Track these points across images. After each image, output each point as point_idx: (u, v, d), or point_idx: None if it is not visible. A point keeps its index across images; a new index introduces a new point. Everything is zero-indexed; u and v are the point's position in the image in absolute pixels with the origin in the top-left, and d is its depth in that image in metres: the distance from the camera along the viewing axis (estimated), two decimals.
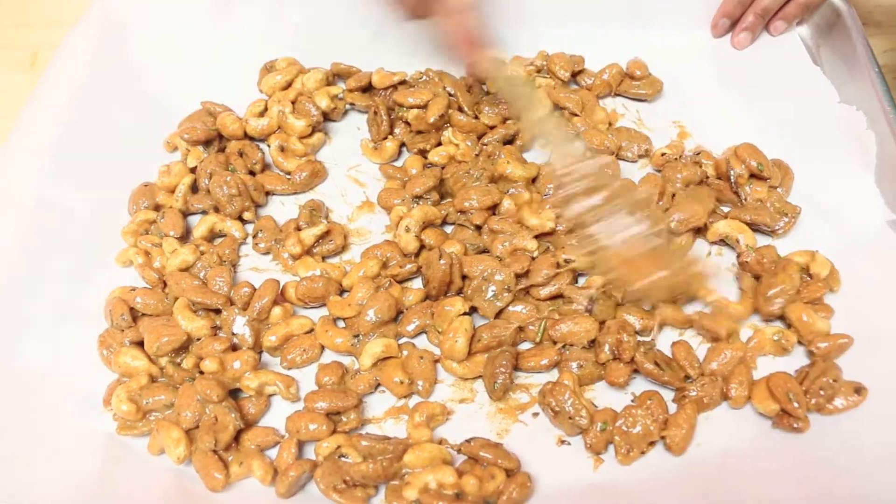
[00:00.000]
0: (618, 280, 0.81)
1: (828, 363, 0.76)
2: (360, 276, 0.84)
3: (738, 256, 0.85)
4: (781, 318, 0.81)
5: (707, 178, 0.92)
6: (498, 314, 0.82)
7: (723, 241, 0.88)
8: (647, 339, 0.81)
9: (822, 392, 0.74)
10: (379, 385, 0.80)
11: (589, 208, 0.82)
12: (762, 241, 0.87)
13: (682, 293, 0.82)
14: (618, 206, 0.81)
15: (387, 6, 0.91)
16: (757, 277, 0.83)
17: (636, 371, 0.78)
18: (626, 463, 0.73)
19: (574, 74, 1.02)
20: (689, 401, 0.76)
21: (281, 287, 0.84)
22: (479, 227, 0.89)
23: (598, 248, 0.81)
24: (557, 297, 0.83)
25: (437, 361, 0.81)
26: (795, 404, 0.73)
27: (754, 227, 0.87)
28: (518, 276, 0.83)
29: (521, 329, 0.81)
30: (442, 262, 0.82)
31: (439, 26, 0.87)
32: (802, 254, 0.84)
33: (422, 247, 0.87)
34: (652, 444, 0.74)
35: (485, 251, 0.87)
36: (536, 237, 0.85)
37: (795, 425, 0.73)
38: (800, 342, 0.80)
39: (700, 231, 0.88)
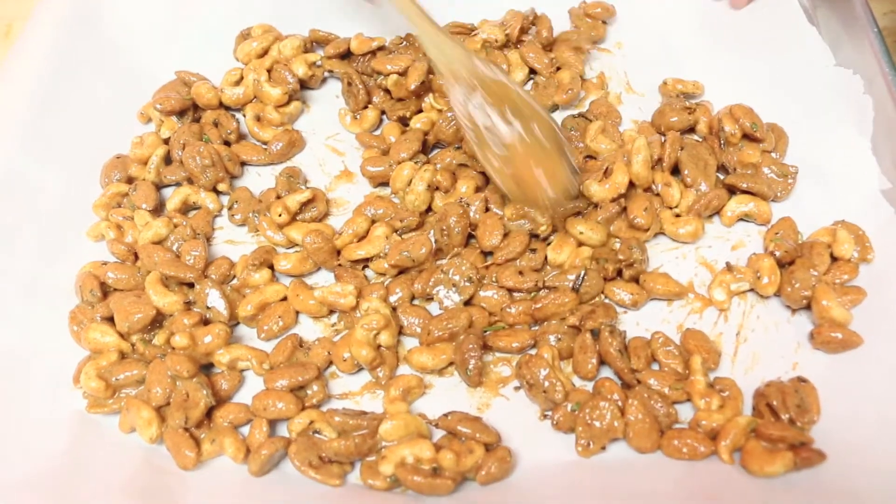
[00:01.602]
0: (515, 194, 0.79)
1: (782, 386, 0.71)
2: (350, 234, 0.82)
3: (768, 246, 0.81)
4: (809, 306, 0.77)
5: (695, 125, 0.90)
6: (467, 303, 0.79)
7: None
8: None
9: (800, 409, 0.69)
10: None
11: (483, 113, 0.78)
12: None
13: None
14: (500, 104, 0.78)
15: None
16: (781, 264, 0.79)
17: (603, 363, 0.75)
18: (585, 456, 0.70)
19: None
20: (640, 400, 0.71)
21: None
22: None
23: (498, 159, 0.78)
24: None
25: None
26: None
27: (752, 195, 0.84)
28: (486, 254, 0.81)
29: (491, 314, 0.79)
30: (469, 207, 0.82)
31: None
32: (824, 232, 0.81)
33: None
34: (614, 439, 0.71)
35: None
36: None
37: (814, 454, 0.66)
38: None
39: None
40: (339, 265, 0.82)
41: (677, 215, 0.84)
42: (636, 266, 0.79)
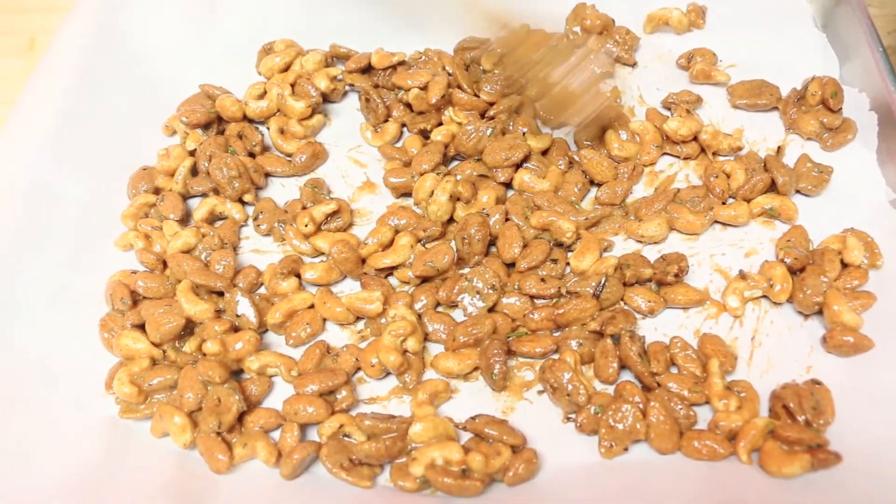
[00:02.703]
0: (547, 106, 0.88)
1: (797, 388, 0.73)
2: (375, 243, 0.84)
3: (779, 254, 0.83)
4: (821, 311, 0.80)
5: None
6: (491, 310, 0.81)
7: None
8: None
9: (816, 411, 0.72)
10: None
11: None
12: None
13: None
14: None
15: None
16: (792, 271, 0.82)
17: (623, 367, 0.77)
18: (608, 458, 0.72)
19: None
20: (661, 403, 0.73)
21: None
22: (506, 185, 0.90)
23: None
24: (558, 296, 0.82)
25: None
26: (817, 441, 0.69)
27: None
28: (509, 266, 0.84)
29: (513, 320, 0.81)
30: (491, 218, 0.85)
31: None
32: (834, 240, 0.83)
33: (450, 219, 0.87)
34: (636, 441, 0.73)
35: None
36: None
37: (831, 456, 0.68)
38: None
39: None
40: (365, 273, 0.84)
41: (724, 202, 0.88)
42: (681, 276, 0.81)
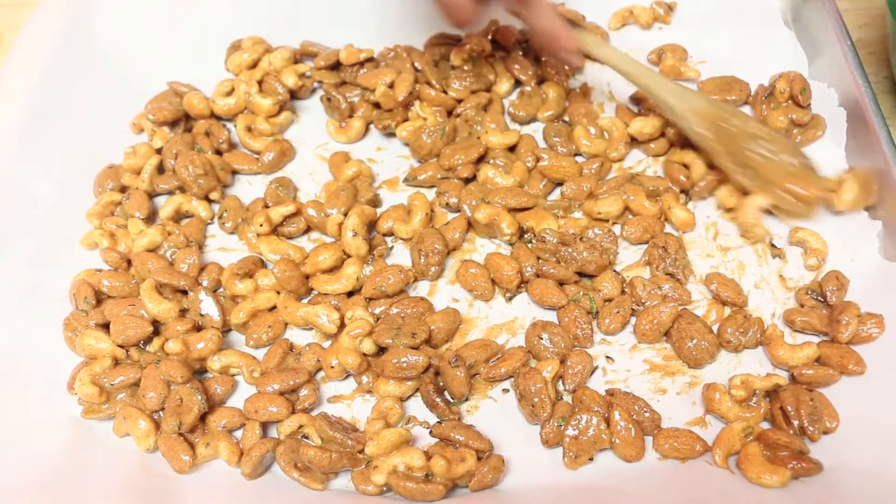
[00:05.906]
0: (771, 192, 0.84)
1: (798, 391, 0.72)
2: (319, 260, 0.83)
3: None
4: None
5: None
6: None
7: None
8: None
9: (813, 417, 0.70)
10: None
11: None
12: None
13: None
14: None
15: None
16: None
17: None
18: (573, 468, 0.71)
19: None
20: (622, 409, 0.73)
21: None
22: (468, 180, 0.90)
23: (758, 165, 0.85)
24: None
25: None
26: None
27: None
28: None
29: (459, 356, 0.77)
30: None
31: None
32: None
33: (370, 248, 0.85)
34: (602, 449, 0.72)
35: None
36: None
37: (813, 465, 0.68)
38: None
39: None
40: (315, 293, 0.83)
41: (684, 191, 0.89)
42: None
